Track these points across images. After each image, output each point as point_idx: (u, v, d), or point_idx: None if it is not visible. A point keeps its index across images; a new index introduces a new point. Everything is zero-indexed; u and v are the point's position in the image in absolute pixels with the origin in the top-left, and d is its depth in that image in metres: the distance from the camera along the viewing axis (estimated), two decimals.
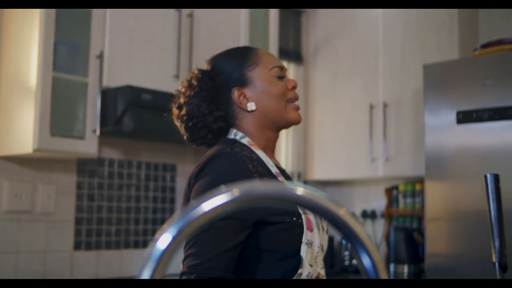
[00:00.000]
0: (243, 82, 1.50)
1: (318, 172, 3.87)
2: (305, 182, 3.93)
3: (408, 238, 3.38)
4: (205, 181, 1.36)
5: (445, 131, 2.92)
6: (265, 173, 1.41)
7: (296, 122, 1.53)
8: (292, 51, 4.00)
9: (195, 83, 1.52)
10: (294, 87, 1.54)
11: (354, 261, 3.54)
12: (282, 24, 3.87)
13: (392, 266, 3.39)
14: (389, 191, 3.79)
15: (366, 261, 0.55)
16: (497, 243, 0.85)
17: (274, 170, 1.45)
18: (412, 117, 3.45)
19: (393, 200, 3.77)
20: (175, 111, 1.54)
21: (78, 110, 2.63)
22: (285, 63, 4.04)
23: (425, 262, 2.99)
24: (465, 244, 2.83)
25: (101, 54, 2.66)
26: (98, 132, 2.63)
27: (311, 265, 1.37)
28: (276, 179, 1.43)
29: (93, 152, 2.64)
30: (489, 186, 0.88)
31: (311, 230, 1.36)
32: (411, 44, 3.49)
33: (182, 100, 1.52)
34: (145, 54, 2.84)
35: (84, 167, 2.95)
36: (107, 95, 2.66)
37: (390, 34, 3.58)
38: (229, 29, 3.23)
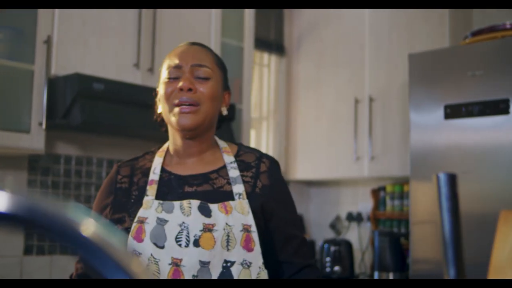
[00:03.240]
0: (158, 86, 1.50)
1: (301, 172, 3.61)
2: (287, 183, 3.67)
3: (393, 244, 3.10)
4: None
5: (431, 127, 2.65)
6: (138, 184, 1.43)
7: (177, 127, 1.39)
8: (273, 42, 3.72)
9: None
10: (181, 89, 1.37)
11: (336, 268, 3.27)
12: (263, 14, 3.60)
13: (376, 274, 3.11)
14: (375, 193, 3.52)
15: None
16: (452, 272, 0.58)
17: (152, 178, 1.42)
18: (400, 112, 3.18)
19: (380, 202, 3.50)
20: None
21: (23, 100, 2.37)
22: (265, 55, 3.77)
23: (410, 269, 2.73)
24: None
25: (48, 39, 2.39)
26: (44, 125, 2.37)
27: None
28: (144, 188, 1.41)
29: (39, 148, 2.38)
30: (442, 190, 0.61)
31: (139, 241, 1.31)
32: (399, 33, 3.22)
33: None
34: (101, 40, 2.57)
35: (37, 164, 2.69)
36: (55, 84, 2.40)
37: (377, 22, 3.32)
38: (199, 14, 2.96)
